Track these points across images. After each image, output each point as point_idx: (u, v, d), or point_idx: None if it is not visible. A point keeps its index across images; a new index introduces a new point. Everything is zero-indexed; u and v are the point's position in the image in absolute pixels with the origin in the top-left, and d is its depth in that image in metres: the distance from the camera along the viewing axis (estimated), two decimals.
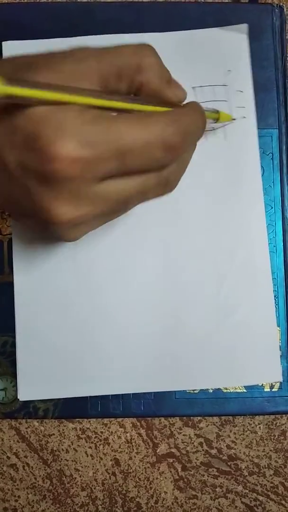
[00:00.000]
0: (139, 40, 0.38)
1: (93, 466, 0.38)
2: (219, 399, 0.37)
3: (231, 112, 0.37)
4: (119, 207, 0.24)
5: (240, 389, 0.37)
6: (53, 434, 0.38)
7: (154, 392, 0.37)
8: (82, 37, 0.38)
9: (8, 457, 0.38)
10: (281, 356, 0.37)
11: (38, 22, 0.38)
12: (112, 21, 0.38)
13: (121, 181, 0.22)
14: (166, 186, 0.25)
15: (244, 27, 0.38)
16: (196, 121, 0.24)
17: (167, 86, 0.25)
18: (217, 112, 0.30)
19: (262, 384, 0.37)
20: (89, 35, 0.38)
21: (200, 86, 0.38)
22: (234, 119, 0.32)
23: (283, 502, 0.39)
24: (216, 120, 0.30)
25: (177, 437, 0.39)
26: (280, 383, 0.37)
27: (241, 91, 0.38)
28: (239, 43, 0.38)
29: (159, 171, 0.23)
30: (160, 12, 0.38)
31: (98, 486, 0.38)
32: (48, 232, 0.26)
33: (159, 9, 0.39)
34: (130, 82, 0.24)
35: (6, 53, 0.38)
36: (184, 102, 0.28)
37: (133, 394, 0.37)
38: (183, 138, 0.22)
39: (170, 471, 0.38)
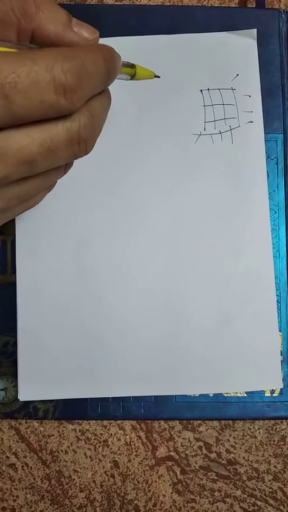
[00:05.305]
0: (147, 42, 0.38)
1: (92, 468, 0.38)
2: (219, 403, 0.37)
3: (238, 117, 0.38)
4: (23, 168, 0.20)
5: (240, 393, 0.37)
6: (53, 435, 0.38)
7: (154, 395, 0.37)
8: None
9: (7, 457, 0.38)
10: (282, 361, 0.37)
11: None
12: (118, 24, 0.38)
13: (19, 132, 0.19)
14: (80, 144, 0.21)
15: (253, 32, 0.38)
16: (96, 60, 0.20)
17: (67, 29, 0.22)
18: (132, 66, 0.25)
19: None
20: None
21: (208, 89, 0.38)
22: (157, 77, 0.26)
23: (281, 507, 0.38)
24: (133, 76, 0.25)
25: (177, 441, 0.39)
26: (281, 388, 0.37)
27: (249, 96, 0.38)
28: (248, 48, 0.38)
29: (64, 121, 0.20)
30: (167, 15, 0.38)
31: (97, 487, 0.38)
32: None
33: (165, 12, 0.39)
34: (18, 30, 0.21)
35: None
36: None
37: (133, 396, 0.37)
38: (79, 78, 0.19)
39: (169, 474, 0.38)
